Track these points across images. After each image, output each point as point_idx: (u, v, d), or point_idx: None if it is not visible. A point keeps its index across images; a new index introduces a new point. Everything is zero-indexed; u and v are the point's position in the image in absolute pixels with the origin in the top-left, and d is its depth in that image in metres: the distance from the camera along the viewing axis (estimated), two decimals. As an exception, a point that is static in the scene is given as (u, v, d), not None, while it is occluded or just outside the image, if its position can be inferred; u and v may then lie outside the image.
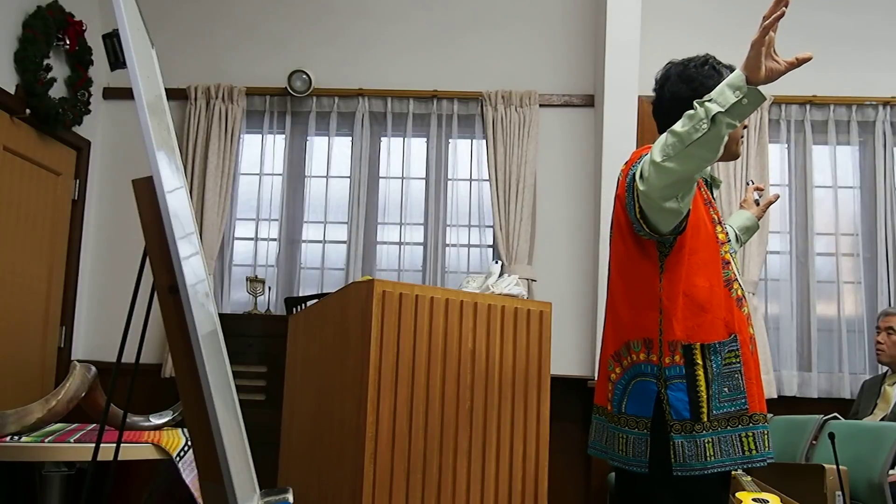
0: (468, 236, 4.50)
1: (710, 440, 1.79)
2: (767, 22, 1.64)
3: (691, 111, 1.68)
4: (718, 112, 1.64)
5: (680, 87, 2.00)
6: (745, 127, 2.06)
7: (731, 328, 1.85)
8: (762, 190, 2.51)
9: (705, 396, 1.80)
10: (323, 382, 2.67)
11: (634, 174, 1.79)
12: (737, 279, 1.93)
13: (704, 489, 1.83)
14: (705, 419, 1.79)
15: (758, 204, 2.48)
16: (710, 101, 1.66)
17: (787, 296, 4.34)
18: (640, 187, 1.73)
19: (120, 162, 4.58)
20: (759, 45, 1.65)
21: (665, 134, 1.71)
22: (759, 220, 2.46)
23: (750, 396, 1.84)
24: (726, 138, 1.69)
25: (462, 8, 4.65)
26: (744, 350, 1.86)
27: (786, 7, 1.65)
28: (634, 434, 1.84)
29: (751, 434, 1.83)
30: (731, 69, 1.97)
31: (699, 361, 1.81)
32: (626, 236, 1.90)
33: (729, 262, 1.93)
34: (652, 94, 2.10)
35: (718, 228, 1.94)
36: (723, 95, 1.65)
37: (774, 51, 1.69)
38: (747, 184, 2.50)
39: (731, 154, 2.01)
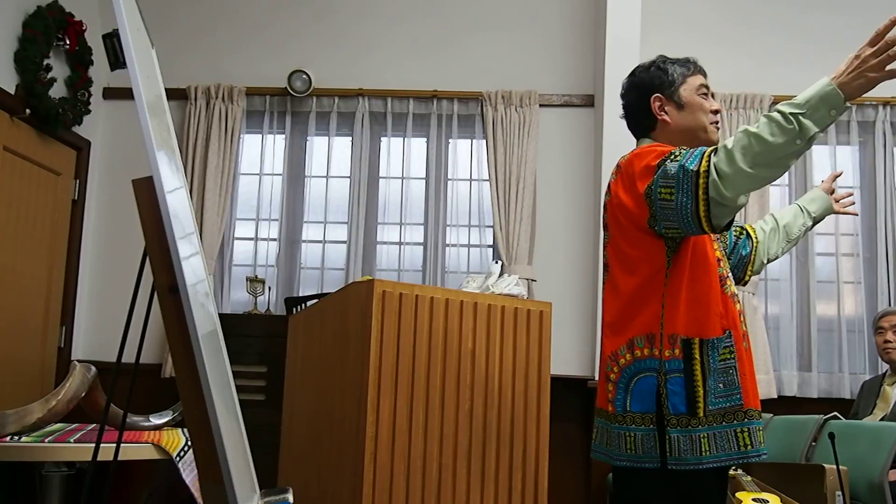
0: (468, 236, 4.50)
1: (706, 435, 1.80)
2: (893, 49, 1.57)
3: (781, 120, 1.62)
4: (815, 133, 1.62)
5: (631, 95, 2.07)
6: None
7: (725, 324, 1.86)
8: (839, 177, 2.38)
9: (702, 391, 1.81)
10: (323, 382, 2.67)
11: (693, 169, 1.72)
12: (728, 276, 1.95)
13: (701, 483, 1.83)
14: (701, 414, 1.80)
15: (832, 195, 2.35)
16: (803, 114, 1.61)
17: (787, 296, 4.34)
18: (724, 191, 1.68)
19: (120, 162, 4.58)
20: (879, 80, 1.61)
21: (746, 138, 1.65)
22: (830, 194, 2.33)
23: (744, 392, 1.85)
24: None
25: (462, 8, 4.65)
26: (738, 346, 1.87)
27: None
28: (642, 431, 1.84)
29: (745, 430, 1.83)
30: (682, 62, 2.02)
31: (697, 356, 1.81)
32: (631, 235, 1.89)
33: (721, 259, 1.95)
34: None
35: None
36: (819, 112, 1.61)
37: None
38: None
39: (714, 143, 2.02)
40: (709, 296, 1.85)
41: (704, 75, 2.05)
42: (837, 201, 2.33)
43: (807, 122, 1.62)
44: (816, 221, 2.31)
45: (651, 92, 2.01)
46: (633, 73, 2.09)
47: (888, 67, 1.61)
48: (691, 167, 1.72)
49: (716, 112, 2.02)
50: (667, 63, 2.03)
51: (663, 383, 1.82)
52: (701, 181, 1.70)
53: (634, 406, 1.86)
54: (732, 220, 1.81)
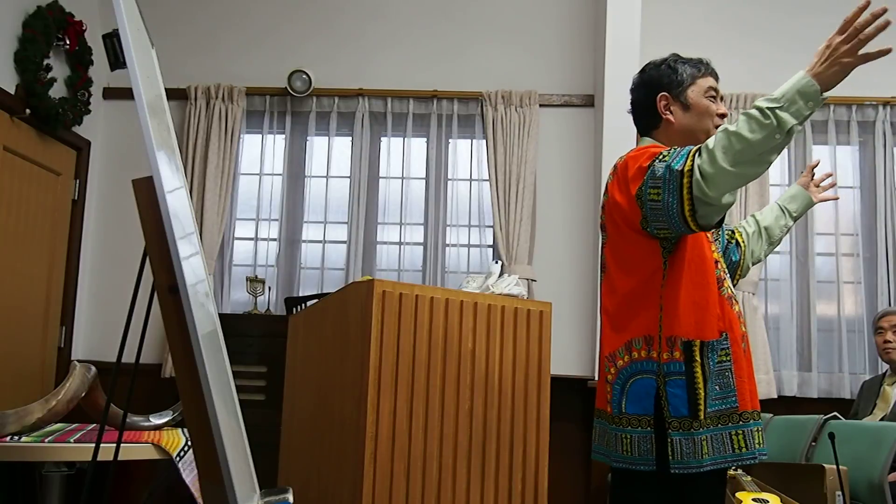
0: (468, 236, 4.50)
1: (706, 437, 1.80)
2: (866, 33, 1.58)
3: (759, 116, 1.62)
4: (794, 125, 1.62)
5: (640, 91, 2.07)
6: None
7: (721, 326, 1.86)
8: (823, 173, 2.35)
9: (703, 394, 1.80)
10: (323, 382, 2.67)
11: (678, 169, 1.71)
12: (726, 277, 1.95)
13: (701, 486, 1.83)
14: (702, 416, 1.80)
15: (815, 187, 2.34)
16: (780, 107, 1.61)
17: (787, 296, 4.34)
18: (708, 191, 1.68)
19: (120, 162, 4.58)
20: (853, 65, 1.62)
21: (727, 137, 1.65)
22: (810, 189, 2.32)
23: (740, 395, 1.85)
24: None
25: (462, 8, 4.65)
26: (734, 349, 1.87)
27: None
28: (638, 433, 1.84)
29: (740, 432, 1.83)
30: (694, 62, 2.01)
31: (698, 358, 1.81)
32: (628, 236, 1.89)
33: (718, 261, 1.94)
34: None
35: None
36: (796, 105, 1.61)
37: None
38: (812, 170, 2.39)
39: None
40: (707, 298, 1.85)
41: (716, 78, 2.02)
42: (817, 186, 2.32)
43: (784, 115, 1.61)
44: (797, 219, 2.31)
45: (658, 90, 2.00)
46: (643, 70, 2.07)
47: (861, 52, 1.62)
48: (676, 167, 1.73)
49: (722, 116, 2.00)
50: (678, 62, 2.01)
51: (663, 386, 1.81)
52: (685, 181, 1.71)
53: (630, 408, 1.86)
54: (723, 219, 1.80)
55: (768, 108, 1.62)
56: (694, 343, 1.82)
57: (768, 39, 4.49)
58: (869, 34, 1.59)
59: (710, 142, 1.70)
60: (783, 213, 2.29)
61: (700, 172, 1.68)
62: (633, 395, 1.86)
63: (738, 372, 1.86)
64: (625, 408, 1.87)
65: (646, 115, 2.04)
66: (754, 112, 1.64)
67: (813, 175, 2.34)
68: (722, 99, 2.04)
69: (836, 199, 2.40)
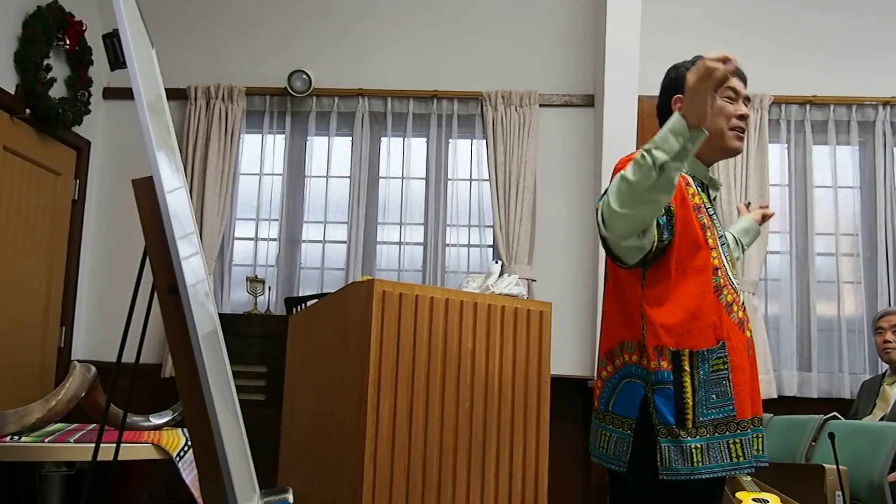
0: (468, 236, 4.51)
1: (697, 446, 1.79)
2: (720, 74, 1.61)
3: (639, 157, 1.66)
4: (665, 161, 1.63)
5: (661, 96, 2.07)
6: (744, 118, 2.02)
7: (719, 335, 1.84)
8: (764, 209, 2.47)
9: (691, 403, 1.79)
10: (323, 382, 2.67)
11: (597, 206, 1.79)
12: (728, 284, 1.91)
13: (695, 492, 1.83)
14: (690, 425, 1.79)
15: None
16: (654, 147, 1.64)
17: (787, 296, 4.34)
18: (602, 231, 1.74)
19: (120, 162, 4.58)
20: (709, 98, 1.63)
21: (618, 180, 1.69)
22: (759, 225, 2.44)
23: (738, 403, 1.83)
24: (677, 179, 1.68)
25: (462, 8, 4.65)
26: (733, 357, 1.84)
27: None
28: (618, 433, 1.85)
29: (738, 441, 1.82)
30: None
31: (687, 368, 1.80)
32: None
33: (718, 268, 1.90)
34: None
35: (709, 233, 1.92)
36: (668, 143, 1.63)
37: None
38: (747, 205, 2.52)
39: (732, 150, 1.99)
40: (701, 307, 1.83)
41: (741, 78, 1.99)
42: (765, 218, 2.44)
43: (657, 152, 1.63)
44: (745, 251, 2.42)
45: (673, 93, 1.98)
46: (666, 74, 2.06)
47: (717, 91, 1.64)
48: (598, 203, 1.77)
49: (741, 117, 1.95)
50: (684, 67, 1.99)
51: (651, 394, 1.81)
52: (597, 219, 1.76)
53: (616, 408, 1.87)
54: (646, 258, 1.79)
55: (645, 149, 1.66)
56: (682, 353, 1.81)
57: (770, 38, 4.49)
58: (719, 77, 1.61)
59: (609, 184, 1.73)
60: (738, 244, 2.36)
61: (601, 214, 1.73)
62: (621, 396, 1.87)
63: (737, 380, 1.84)
64: (612, 406, 1.89)
65: (664, 120, 2.01)
66: (637, 155, 1.67)
67: (765, 215, 2.45)
68: (749, 100, 2.00)
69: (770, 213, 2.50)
